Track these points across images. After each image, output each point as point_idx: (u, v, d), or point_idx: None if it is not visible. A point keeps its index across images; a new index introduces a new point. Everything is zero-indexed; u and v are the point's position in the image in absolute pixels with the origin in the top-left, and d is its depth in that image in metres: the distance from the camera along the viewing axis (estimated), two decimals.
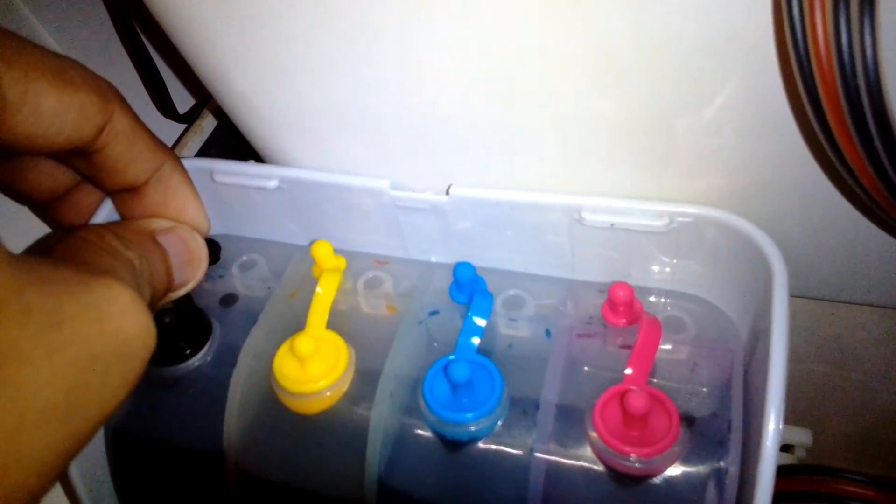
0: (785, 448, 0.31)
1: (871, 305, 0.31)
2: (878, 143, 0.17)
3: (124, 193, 0.30)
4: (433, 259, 0.34)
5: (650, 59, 0.22)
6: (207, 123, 0.44)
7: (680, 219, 0.27)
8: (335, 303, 0.33)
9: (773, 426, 0.23)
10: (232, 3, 0.26)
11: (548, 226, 0.30)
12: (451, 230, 0.32)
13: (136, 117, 0.28)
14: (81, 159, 0.27)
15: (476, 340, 0.29)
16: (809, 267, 0.29)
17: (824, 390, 0.38)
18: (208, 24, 0.27)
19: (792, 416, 0.41)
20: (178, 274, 0.28)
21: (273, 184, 0.32)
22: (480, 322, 0.29)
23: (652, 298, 0.30)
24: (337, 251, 0.33)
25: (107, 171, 0.28)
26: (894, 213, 0.20)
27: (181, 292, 0.28)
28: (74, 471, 0.31)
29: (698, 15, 0.21)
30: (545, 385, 0.28)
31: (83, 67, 0.26)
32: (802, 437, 0.31)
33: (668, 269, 0.30)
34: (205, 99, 0.44)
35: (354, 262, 0.34)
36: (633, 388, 0.26)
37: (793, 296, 0.32)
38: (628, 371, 0.27)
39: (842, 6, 0.17)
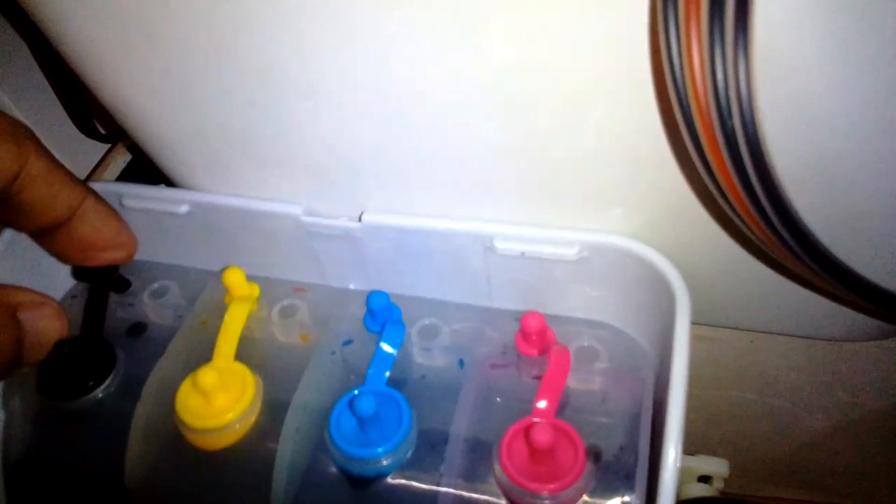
0: (704, 479, 0.31)
1: (786, 335, 0.31)
2: (754, 181, 0.17)
3: (49, 232, 0.29)
4: (351, 286, 0.33)
5: (528, 89, 0.22)
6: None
7: (590, 248, 0.27)
8: (250, 331, 0.32)
9: (671, 456, 0.23)
10: (126, 32, 0.25)
11: (462, 254, 0.29)
12: (367, 257, 0.31)
13: (52, 159, 0.27)
14: None
15: (386, 372, 0.28)
16: (720, 296, 0.29)
17: (749, 417, 0.38)
18: (100, 48, 0.26)
19: (717, 443, 0.41)
20: (31, 352, 0.27)
21: (184, 209, 0.31)
22: (391, 352, 0.29)
23: (567, 327, 0.30)
24: (255, 278, 0.33)
25: (24, 213, 0.27)
26: (774, 248, 0.20)
27: (25, 369, 0.28)
28: None
29: (576, 47, 0.21)
30: (455, 418, 0.27)
31: None
32: (719, 467, 0.30)
33: (582, 298, 0.29)
34: None
35: (272, 289, 0.33)
36: (538, 421, 0.26)
37: (708, 325, 0.32)
38: (537, 404, 0.27)
39: (717, 40, 0.17)
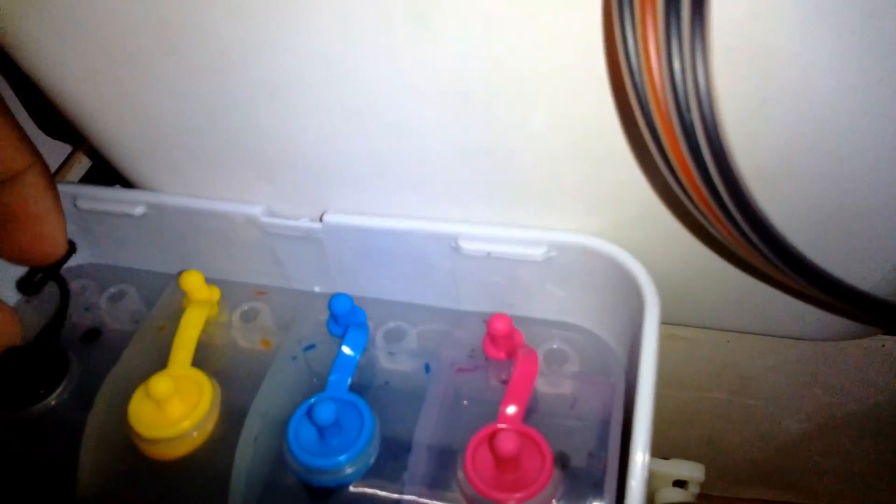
0: (680, 484, 0.30)
1: (762, 335, 0.30)
2: (715, 176, 0.16)
3: None
4: (316, 289, 0.32)
5: (485, 86, 0.21)
6: None
7: (557, 247, 0.26)
8: (210, 336, 0.31)
9: (639, 462, 0.22)
10: (71, 33, 0.24)
11: (427, 255, 0.28)
12: (330, 259, 0.30)
13: (3, 111, 0.25)
14: None
15: (349, 377, 0.27)
16: (692, 296, 0.28)
17: (728, 418, 0.37)
18: (48, 46, 0.25)
19: (696, 444, 0.40)
20: None
21: (140, 210, 0.30)
22: (352, 357, 0.28)
23: (537, 329, 0.29)
24: (215, 281, 0.32)
25: None
26: (737, 244, 0.19)
27: None
28: None
29: (530, 43, 0.20)
30: (418, 426, 0.26)
31: None
32: (695, 471, 0.30)
33: (551, 299, 0.28)
34: None
35: (234, 292, 0.32)
36: (503, 428, 0.25)
37: (682, 324, 0.31)
38: (503, 409, 0.26)
39: (673, 32, 0.16)
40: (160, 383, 0.26)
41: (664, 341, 0.33)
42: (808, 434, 0.37)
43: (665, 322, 0.31)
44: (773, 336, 0.30)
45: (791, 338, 0.29)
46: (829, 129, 0.21)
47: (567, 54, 0.19)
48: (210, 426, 0.28)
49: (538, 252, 0.26)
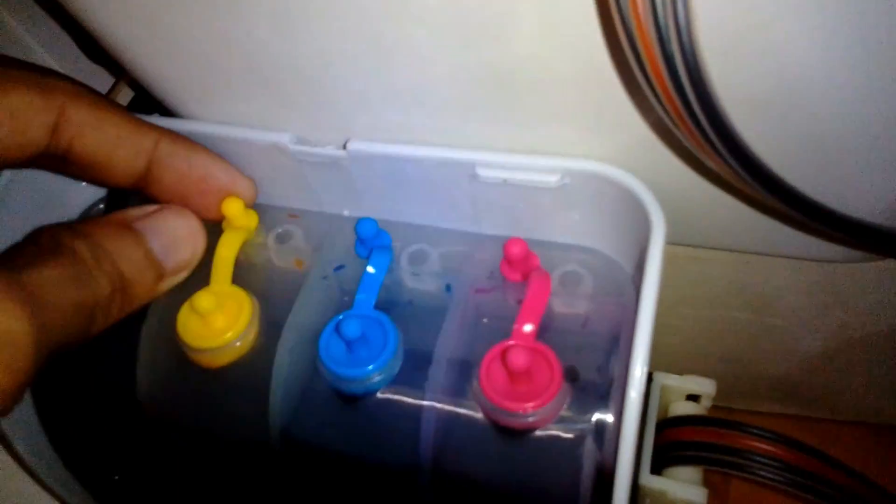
0: (693, 398, 0.32)
1: (779, 256, 0.31)
2: (695, 106, 0.17)
3: (144, 188, 0.28)
4: (346, 212, 0.34)
5: (495, 11, 0.22)
6: None
7: (570, 174, 0.27)
8: (248, 257, 0.33)
9: (638, 373, 0.23)
10: None
11: (446, 181, 0.29)
12: (357, 184, 0.31)
13: (98, 104, 0.26)
14: (60, 163, 0.26)
15: (373, 296, 0.29)
16: (705, 218, 0.29)
17: (747, 336, 0.38)
18: None
19: (716, 360, 0.41)
20: (168, 256, 0.27)
21: None
22: (376, 277, 0.29)
23: (553, 252, 0.30)
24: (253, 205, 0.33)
25: (90, 167, 0.26)
26: (727, 174, 0.19)
27: (181, 275, 0.27)
28: None
29: None
30: (439, 341, 0.28)
31: (16, 65, 0.25)
32: (706, 387, 0.31)
33: (567, 223, 0.29)
34: None
35: (269, 215, 0.34)
36: (514, 344, 0.26)
37: (698, 246, 0.32)
38: (516, 327, 0.27)
39: None
40: (203, 299, 0.29)
41: (683, 262, 0.34)
42: (829, 352, 0.37)
43: (681, 243, 0.32)
44: (789, 258, 0.30)
45: (807, 260, 0.30)
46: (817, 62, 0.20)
47: None
48: (251, 338, 0.30)
49: (552, 179, 0.27)
